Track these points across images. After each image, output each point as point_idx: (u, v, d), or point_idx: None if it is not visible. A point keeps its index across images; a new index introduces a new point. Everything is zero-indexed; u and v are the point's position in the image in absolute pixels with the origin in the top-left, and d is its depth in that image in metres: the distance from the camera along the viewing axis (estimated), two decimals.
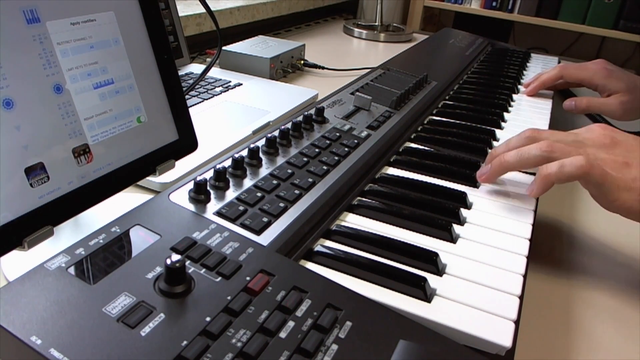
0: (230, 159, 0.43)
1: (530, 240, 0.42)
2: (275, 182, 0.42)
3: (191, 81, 0.79)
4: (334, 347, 0.27)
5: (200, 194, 0.38)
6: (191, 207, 0.37)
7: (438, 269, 0.37)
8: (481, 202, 0.47)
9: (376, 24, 1.45)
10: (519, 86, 0.86)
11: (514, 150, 0.47)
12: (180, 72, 0.84)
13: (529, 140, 0.48)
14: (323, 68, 1.00)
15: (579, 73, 0.78)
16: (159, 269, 0.30)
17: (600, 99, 0.76)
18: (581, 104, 0.76)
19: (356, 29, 1.39)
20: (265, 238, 0.36)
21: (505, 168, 0.47)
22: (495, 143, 0.61)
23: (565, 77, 0.79)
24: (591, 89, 0.78)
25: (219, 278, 0.30)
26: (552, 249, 0.50)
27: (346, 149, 0.50)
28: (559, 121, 0.84)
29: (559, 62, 1.06)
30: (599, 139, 0.46)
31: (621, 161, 0.43)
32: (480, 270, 0.37)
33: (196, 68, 0.88)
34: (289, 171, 0.44)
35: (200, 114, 0.69)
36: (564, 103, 0.78)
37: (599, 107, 0.76)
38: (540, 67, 1.01)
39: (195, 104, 0.72)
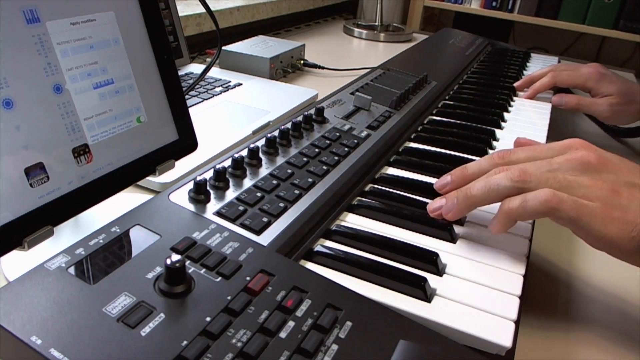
0: (230, 159, 0.43)
1: (530, 239, 0.42)
2: (275, 182, 0.42)
3: (191, 81, 0.79)
4: (334, 347, 0.27)
5: (200, 194, 0.38)
6: (191, 207, 0.37)
7: (438, 269, 0.37)
8: None
9: (376, 24, 1.45)
10: None
11: (482, 181, 0.40)
12: (180, 72, 0.84)
13: (498, 163, 0.42)
14: (323, 68, 1.00)
15: (572, 79, 0.77)
16: (159, 269, 0.30)
17: (590, 98, 0.76)
18: (571, 101, 0.76)
19: (356, 29, 1.39)
20: (265, 238, 0.36)
21: (473, 203, 0.40)
22: (495, 143, 0.61)
23: (558, 84, 0.80)
24: (584, 92, 0.78)
25: (219, 278, 0.30)
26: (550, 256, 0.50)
27: (346, 149, 0.50)
28: (559, 121, 0.84)
29: (559, 62, 1.06)
30: (582, 159, 0.38)
31: (608, 188, 0.36)
32: (480, 270, 0.37)
33: (196, 68, 0.88)
34: (289, 171, 0.44)
35: (200, 114, 0.69)
36: (552, 98, 0.78)
37: (588, 106, 0.75)
38: (540, 68, 1.01)
39: (195, 104, 0.72)
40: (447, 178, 0.44)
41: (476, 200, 0.40)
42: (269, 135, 0.47)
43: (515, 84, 0.83)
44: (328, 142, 0.50)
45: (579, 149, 0.40)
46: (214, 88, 0.78)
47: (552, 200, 0.35)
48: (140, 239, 0.33)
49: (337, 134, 0.52)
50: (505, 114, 0.72)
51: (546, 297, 0.43)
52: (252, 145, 0.45)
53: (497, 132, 0.64)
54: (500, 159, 0.42)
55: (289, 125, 0.51)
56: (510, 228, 0.39)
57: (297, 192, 0.41)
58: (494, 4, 1.65)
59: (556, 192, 0.36)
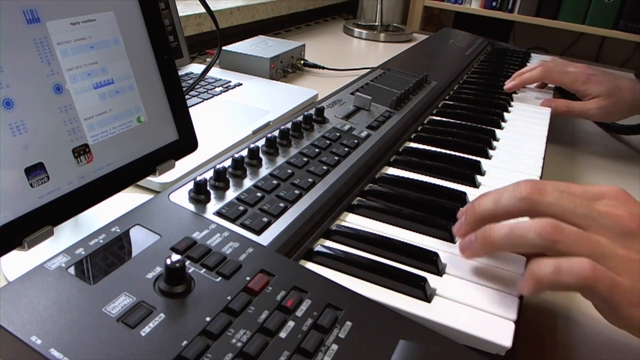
0: (230, 159, 0.43)
1: None
2: (275, 182, 0.42)
3: (191, 81, 0.79)
4: (334, 347, 0.27)
5: (200, 194, 0.38)
6: (191, 207, 0.37)
7: (438, 269, 0.37)
8: None
9: (376, 24, 1.45)
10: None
11: (506, 227, 0.34)
12: (180, 72, 0.84)
13: (524, 204, 0.35)
14: (323, 68, 1.00)
15: (561, 78, 0.77)
16: (159, 269, 0.30)
17: (579, 103, 0.75)
18: (561, 107, 0.75)
19: (356, 29, 1.39)
20: (265, 238, 0.36)
21: (492, 249, 0.36)
22: (495, 143, 0.61)
23: (547, 81, 0.80)
24: (571, 92, 0.78)
25: (219, 278, 0.30)
26: None
27: (346, 149, 0.50)
28: (560, 121, 0.84)
29: None
30: (622, 220, 0.33)
31: None
32: (480, 270, 0.37)
33: (196, 68, 0.88)
34: (289, 171, 0.44)
35: (200, 114, 0.69)
36: (541, 102, 0.77)
37: (578, 111, 0.75)
38: None
39: (195, 104, 0.72)
40: (462, 218, 0.39)
41: (496, 247, 0.36)
42: (269, 135, 0.48)
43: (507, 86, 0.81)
44: (328, 142, 0.50)
45: (620, 204, 0.34)
46: (214, 88, 0.78)
47: (590, 276, 0.30)
48: (140, 239, 0.33)
49: (337, 134, 0.52)
50: (505, 114, 0.72)
51: (546, 298, 0.43)
52: (252, 145, 0.45)
53: (497, 132, 0.64)
54: (529, 198, 0.35)
55: (289, 125, 0.51)
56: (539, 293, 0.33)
57: (297, 192, 0.41)
58: (494, 4, 1.65)
59: (595, 266, 0.31)
